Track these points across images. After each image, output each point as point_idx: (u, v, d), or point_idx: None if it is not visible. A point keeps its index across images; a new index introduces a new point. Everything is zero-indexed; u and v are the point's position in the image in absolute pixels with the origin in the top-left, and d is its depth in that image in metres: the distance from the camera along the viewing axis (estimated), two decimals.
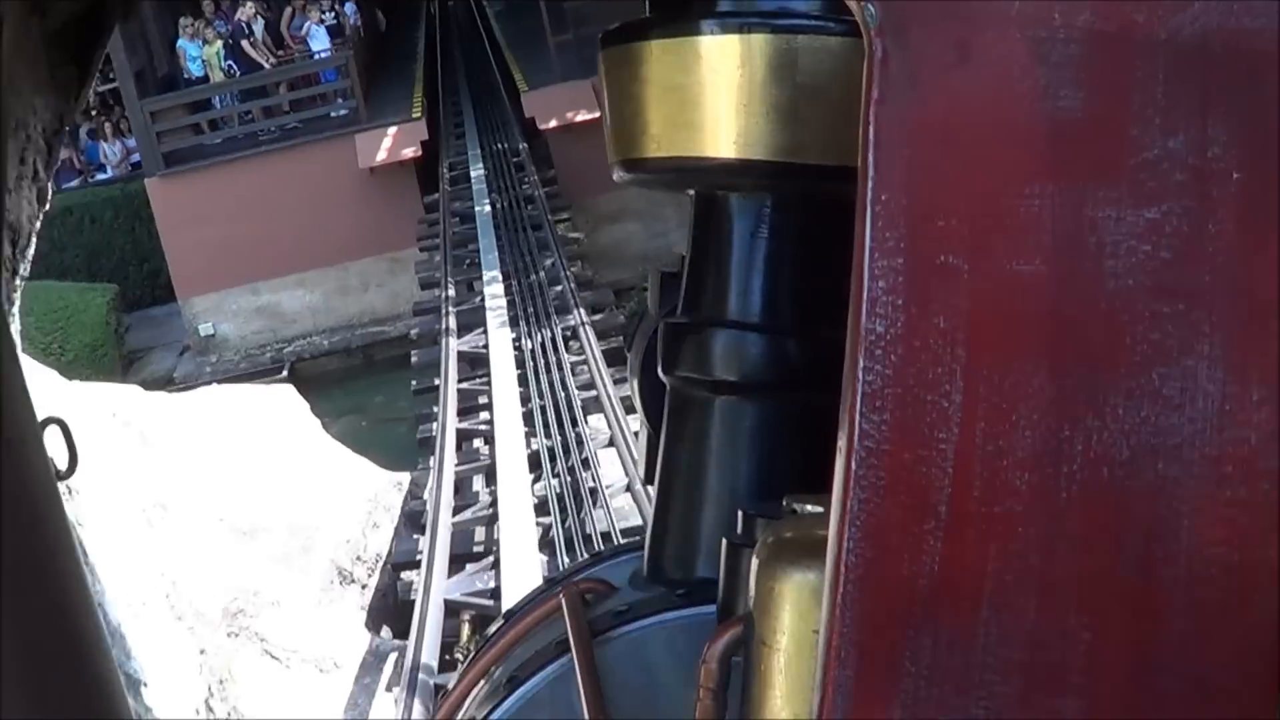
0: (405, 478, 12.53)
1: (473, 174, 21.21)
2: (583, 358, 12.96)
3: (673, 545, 1.39)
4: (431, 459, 12.11)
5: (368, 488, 11.74)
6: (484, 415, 12.91)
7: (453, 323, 15.06)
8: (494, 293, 15.74)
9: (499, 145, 22.77)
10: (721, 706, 0.96)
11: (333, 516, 10.85)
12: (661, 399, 1.41)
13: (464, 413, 13.10)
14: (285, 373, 22.34)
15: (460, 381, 13.50)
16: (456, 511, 10.72)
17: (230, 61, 22.37)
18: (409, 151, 21.91)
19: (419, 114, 22.47)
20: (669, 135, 1.24)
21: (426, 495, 11.39)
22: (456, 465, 11.50)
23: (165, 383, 23.35)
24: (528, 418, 11.87)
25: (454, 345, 14.34)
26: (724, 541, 1.11)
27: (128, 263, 24.81)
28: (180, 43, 22.53)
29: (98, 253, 24.37)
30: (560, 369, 12.82)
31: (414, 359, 16.02)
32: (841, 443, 0.66)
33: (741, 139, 1.20)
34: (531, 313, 14.72)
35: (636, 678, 1.26)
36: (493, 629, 1.50)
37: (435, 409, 13.67)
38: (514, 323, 14.67)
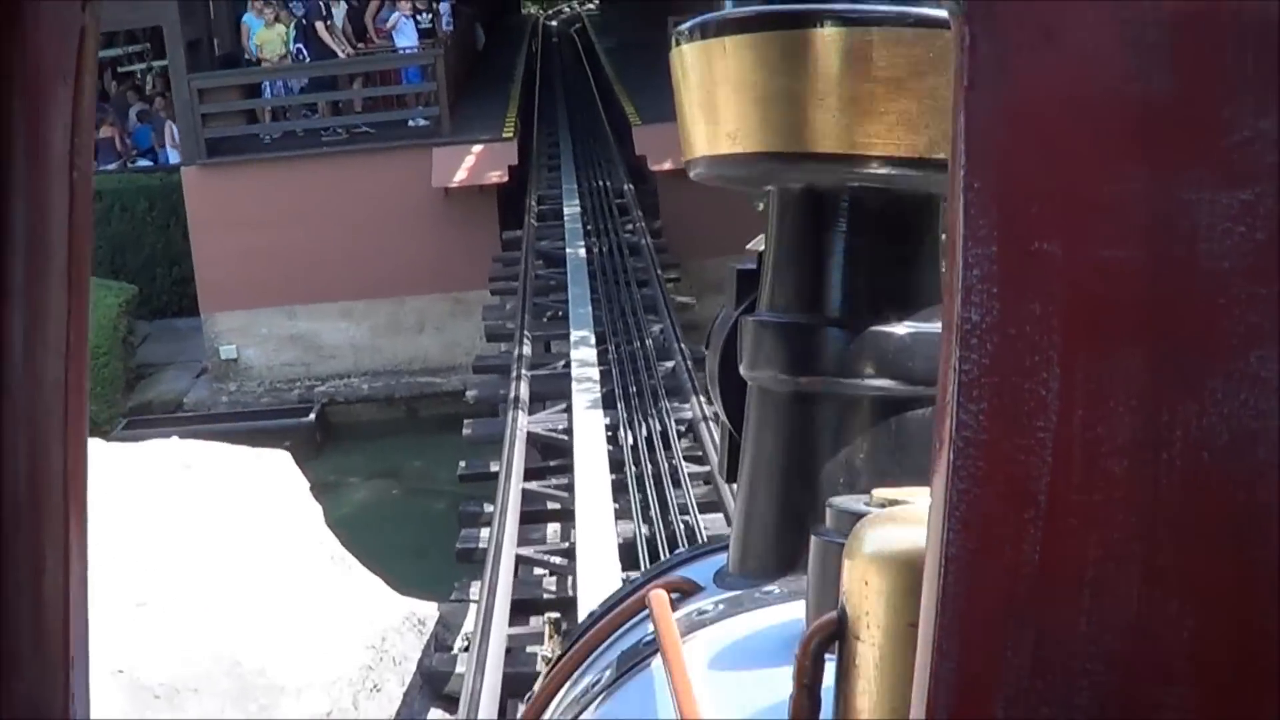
0: (430, 611, 8.62)
1: (566, 211, 17.52)
2: (706, 468, 9.02)
3: (758, 542, 1.39)
4: (473, 589, 8.22)
5: (374, 624, 7.82)
6: (556, 530, 9.03)
7: (524, 391, 11.20)
8: (583, 358, 11.89)
9: (600, 183, 19.12)
10: (816, 702, 0.95)
11: (312, 670, 6.93)
12: (742, 397, 1.41)
13: (528, 521, 9.21)
14: (313, 416, 18.77)
15: (528, 479, 9.58)
16: (507, 684, 6.80)
17: (300, 45, 18.82)
18: (494, 175, 18.28)
19: (511, 134, 18.85)
20: (745, 131, 1.25)
21: (460, 653, 7.46)
22: (511, 624, 7.50)
23: (173, 407, 19.97)
24: (625, 551, 7.93)
25: (523, 423, 10.48)
26: (812, 537, 1.11)
27: (156, 263, 21.42)
28: (246, 17, 19.04)
29: (123, 247, 20.85)
30: (674, 480, 8.91)
31: (467, 430, 12.13)
32: (939, 433, 0.64)
33: (819, 133, 1.21)
34: (634, 391, 10.83)
35: (725, 675, 1.22)
36: (577, 629, 1.50)
37: (487, 508, 9.77)
38: (608, 402, 10.78)
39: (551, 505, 9.44)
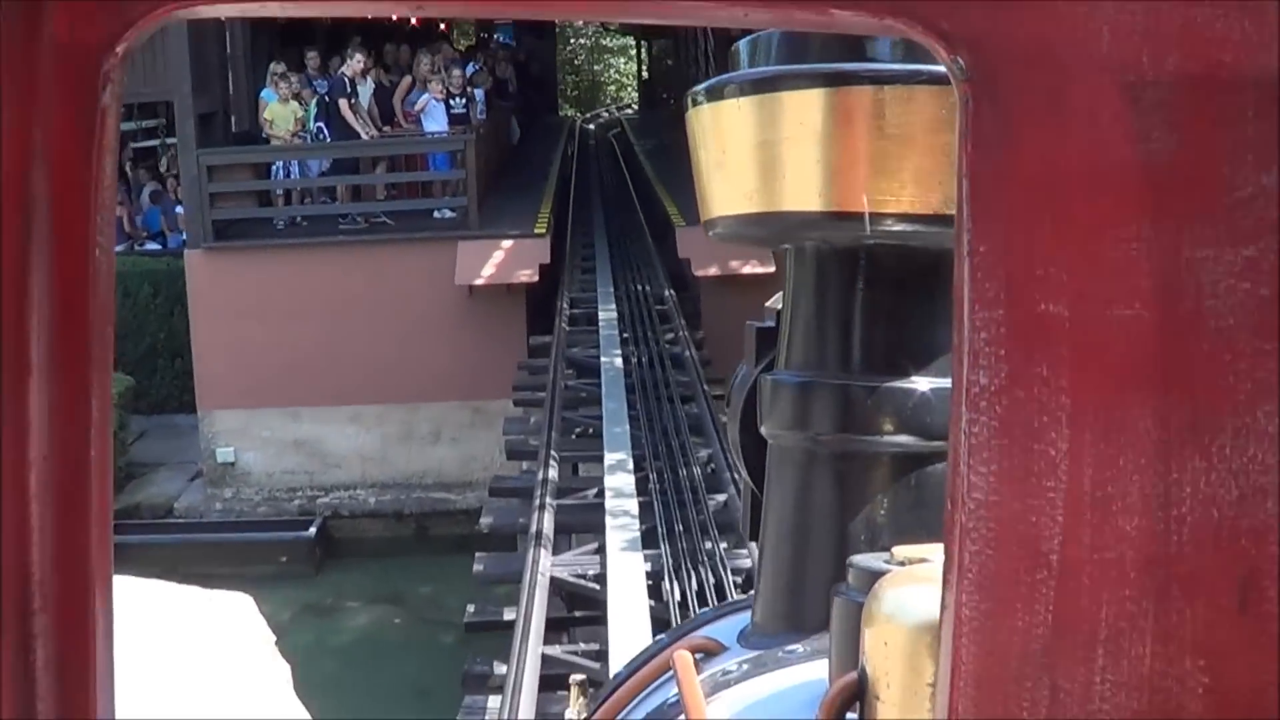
0: None
1: (601, 316, 15.88)
2: None
3: (781, 600, 1.40)
4: None
5: None
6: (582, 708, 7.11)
7: (548, 524, 9.40)
8: (619, 487, 10.10)
9: (639, 287, 17.48)
10: None
11: None
12: (762, 455, 1.43)
13: (548, 688, 7.34)
14: (313, 530, 17.03)
15: (549, 640, 7.74)
16: None
17: (322, 124, 17.33)
18: (524, 274, 16.68)
19: (543, 230, 17.29)
20: (761, 190, 1.27)
21: None
22: None
23: (163, 512, 18.22)
24: None
25: (545, 565, 8.64)
26: (834, 596, 1.12)
27: (157, 353, 19.90)
28: (264, 93, 17.59)
29: (124, 335, 19.22)
30: None
31: (478, 567, 10.30)
32: (951, 494, 0.66)
33: (833, 191, 1.22)
34: (680, 530, 9.00)
35: None
36: (604, 691, 1.53)
37: (498, 669, 7.93)
38: (649, 541, 8.97)
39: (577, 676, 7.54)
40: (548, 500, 9.84)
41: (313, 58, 18.24)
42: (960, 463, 0.65)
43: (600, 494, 10.14)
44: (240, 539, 17.03)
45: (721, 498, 9.57)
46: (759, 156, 1.26)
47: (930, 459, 1.32)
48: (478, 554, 10.68)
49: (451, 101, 18.67)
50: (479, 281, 16.84)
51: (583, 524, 9.85)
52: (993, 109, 0.63)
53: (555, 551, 9.17)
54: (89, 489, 0.73)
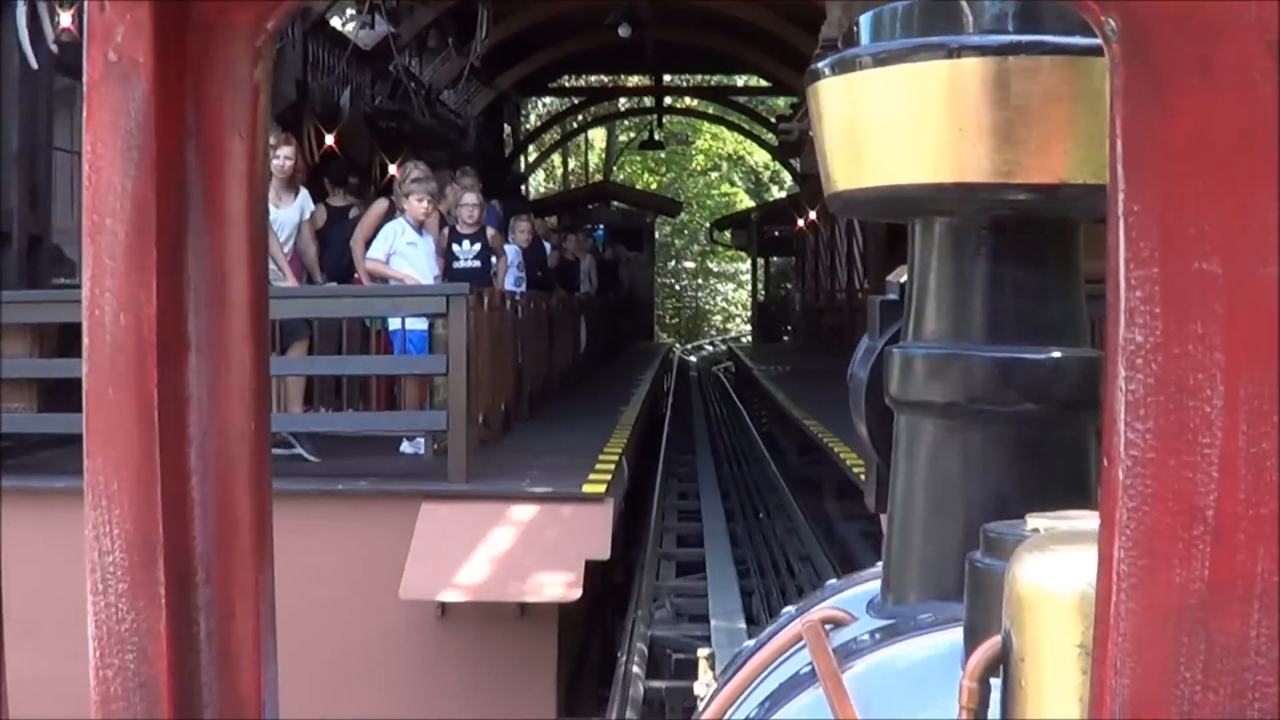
0: None
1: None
2: None
3: (909, 569, 1.41)
4: None
5: None
6: None
7: None
8: None
9: (790, 599, 7.98)
10: None
11: None
12: (887, 427, 1.45)
13: None
14: None
15: None
16: None
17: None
18: (557, 582, 7.55)
19: (602, 488, 8.28)
20: (886, 163, 1.28)
21: None
22: None
23: None
24: None
25: None
26: (968, 562, 1.15)
27: None
28: None
29: None
30: None
31: None
32: (1107, 451, 0.67)
33: (958, 162, 1.24)
34: None
35: (886, 703, 1.25)
36: (733, 662, 1.54)
37: None
38: None
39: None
40: None
41: None
42: (1117, 420, 0.65)
43: None
44: None
45: None
46: (882, 130, 1.28)
47: (1057, 428, 1.35)
48: None
49: (460, 247, 10.10)
50: (453, 596, 7.76)
51: None
52: (1144, 70, 0.64)
53: None
54: (247, 463, 0.75)
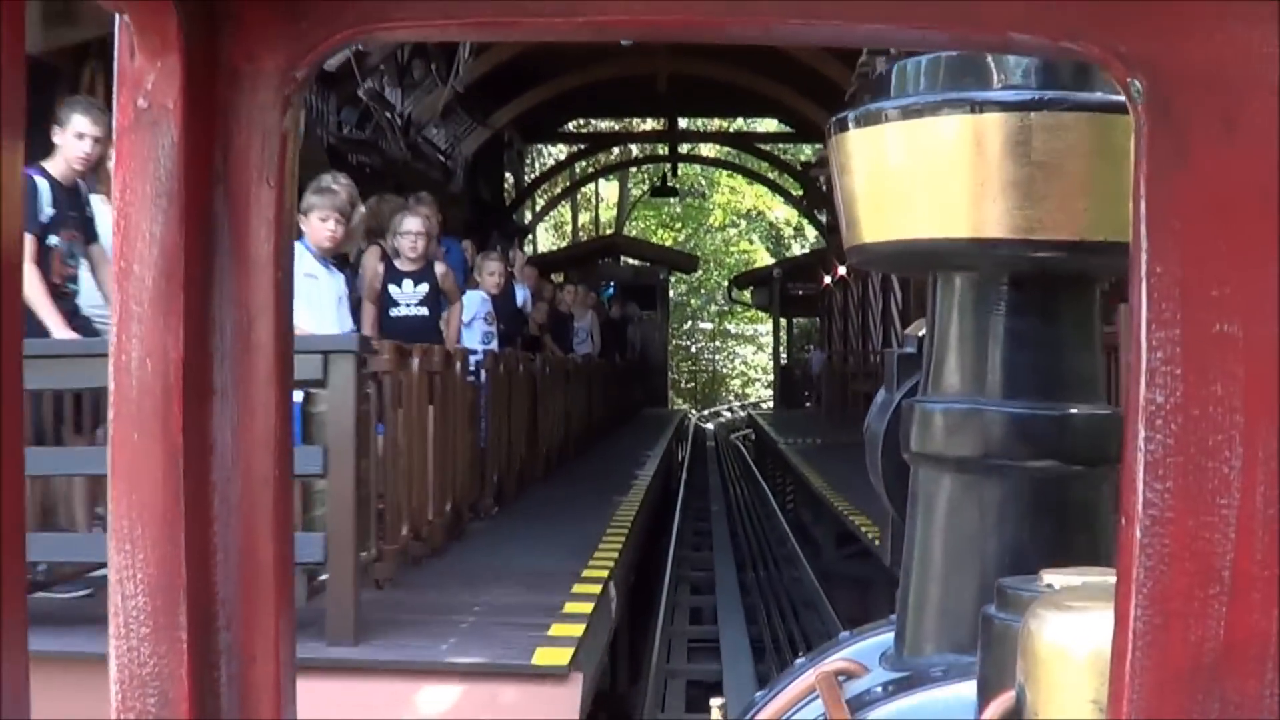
0: None
1: None
2: None
3: (923, 622, 1.42)
4: None
5: None
6: None
7: None
8: None
9: None
10: None
11: None
12: (904, 480, 1.48)
13: None
14: None
15: None
16: None
17: None
18: None
19: (567, 659, 5.16)
20: (908, 217, 1.30)
21: None
22: None
23: None
24: None
25: None
26: (983, 617, 1.17)
27: None
28: None
29: None
30: None
31: None
32: (1124, 510, 0.67)
33: (979, 218, 1.25)
34: None
35: None
36: (745, 713, 1.51)
37: None
38: None
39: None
40: None
41: None
42: (1135, 479, 0.66)
43: None
44: None
45: None
46: (904, 183, 1.29)
47: (1073, 484, 1.37)
48: None
49: (398, 289, 7.41)
50: None
51: None
52: (1168, 130, 0.65)
53: None
54: (270, 508, 0.75)
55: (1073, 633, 0.92)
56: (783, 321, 37.95)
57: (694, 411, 44.33)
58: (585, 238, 42.99)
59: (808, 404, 34.24)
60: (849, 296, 28.52)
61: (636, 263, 36.35)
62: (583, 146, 37.50)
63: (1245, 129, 0.64)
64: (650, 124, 35.87)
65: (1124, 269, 0.69)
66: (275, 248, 0.73)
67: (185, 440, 0.72)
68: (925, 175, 1.26)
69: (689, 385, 52.01)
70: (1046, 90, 1.22)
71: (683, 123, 34.93)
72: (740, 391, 53.41)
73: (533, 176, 36.59)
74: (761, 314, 43.86)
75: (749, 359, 53.82)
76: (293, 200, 0.76)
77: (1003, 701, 1.02)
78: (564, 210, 45.57)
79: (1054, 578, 1.09)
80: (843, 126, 1.34)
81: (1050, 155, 1.20)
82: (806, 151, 33.12)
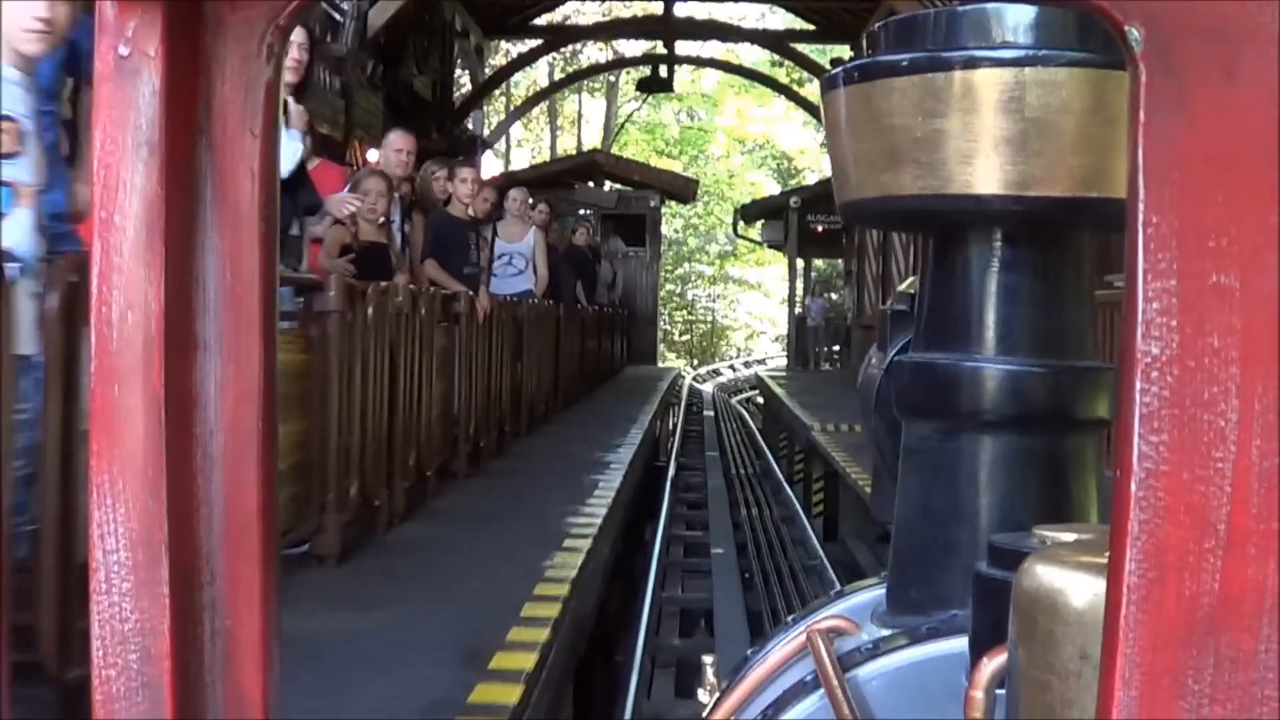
0: None
1: None
2: None
3: (913, 579, 1.42)
4: None
5: None
6: None
7: None
8: None
9: None
10: None
11: None
12: (895, 437, 1.46)
13: None
14: None
15: None
16: None
17: None
18: None
19: None
20: (900, 173, 1.29)
21: None
22: None
23: None
24: None
25: None
26: (975, 572, 1.16)
27: None
28: None
29: None
30: None
31: None
32: (1120, 463, 0.68)
33: (971, 175, 1.25)
34: None
35: (889, 712, 1.27)
36: (736, 671, 1.52)
37: None
38: None
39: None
40: None
41: None
42: (1130, 431, 0.66)
43: None
44: None
45: None
46: (897, 140, 1.28)
47: (1065, 439, 1.36)
48: None
49: None
50: None
51: None
52: (1166, 81, 0.65)
53: None
54: (254, 462, 0.75)
55: (1066, 588, 0.93)
56: (799, 264, 31.55)
57: (688, 369, 38.02)
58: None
59: (828, 364, 28.09)
60: (887, 233, 22.42)
61: (622, 189, 29.92)
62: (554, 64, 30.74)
63: (1245, 78, 0.64)
64: (640, 7, 29.29)
65: (1117, 226, 0.70)
66: (259, 199, 0.74)
67: (167, 393, 0.72)
68: (917, 132, 1.27)
69: (684, 338, 45.61)
70: (1040, 46, 1.23)
71: (680, 9, 28.28)
72: (744, 346, 47.04)
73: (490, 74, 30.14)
74: (773, 255, 37.30)
75: (754, 308, 47.26)
76: (277, 151, 0.76)
77: (995, 657, 1.02)
78: (538, 129, 39.15)
79: (1047, 533, 1.10)
80: (834, 83, 1.36)
81: (1044, 111, 1.21)
82: (835, 52, 26.66)
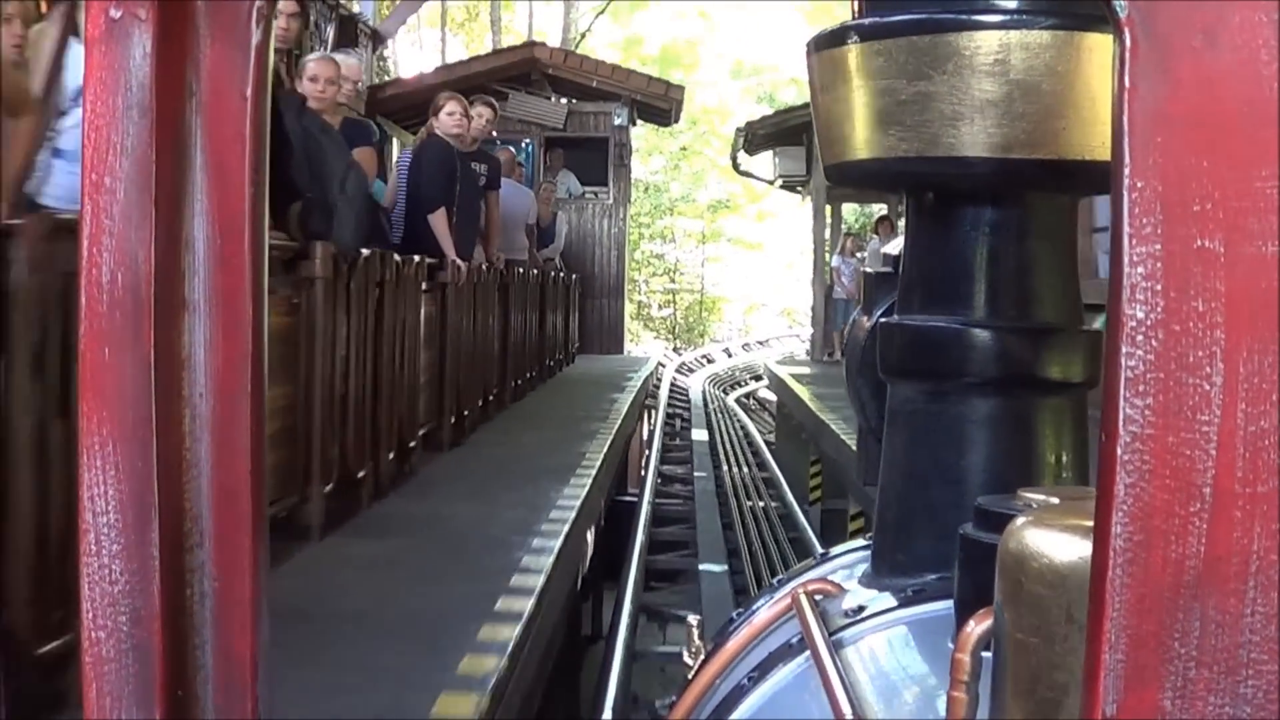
0: None
1: None
2: None
3: (899, 542, 1.44)
4: None
5: None
6: None
7: None
8: None
9: None
10: (974, 699, 1.02)
11: None
12: (880, 400, 1.49)
13: None
14: None
15: None
16: None
17: None
18: None
19: None
20: (883, 136, 1.30)
21: None
22: None
23: None
24: None
25: None
26: (960, 536, 1.17)
27: None
28: None
29: None
30: None
31: None
32: (1105, 427, 0.69)
33: (954, 136, 1.26)
34: None
35: (873, 675, 1.27)
36: (721, 632, 1.54)
37: None
38: None
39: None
40: None
41: None
42: (1116, 395, 0.67)
43: None
44: None
45: None
46: (880, 103, 1.29)
47: (1050, 402, 1.37)
48: None
49: None
50: None
51: None
52: (1150, 45, 0.65)
53: None
54: (244, 424, 0.75)
55: (1052, 550, 0.92)
56: (828, 210, 22.78)
57: (668, 355, 29.37)
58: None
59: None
60: None
61: (571, 101, 21.14)
62: None
63: (1229, 43, 0.65)
64: None
65: (1101, 189, 0.67)
66: (249, 162, 0.74)
67: (157, 355, 0.73)
68: (902, 94, 1.27)
69: (663, 313, 36.42)
70: (1025, 10, 1.24)
71: None
72: (742, 323, 38.34)
73: None
74: (781, 203, 28.60)
75: (753, 272, 38.37)
76: (266, 112, 0.76)
77: (981, 620, 1.03)
78: (477, 33, 30.42)
79: (1032, 496, 1.10)
80: (820, 45, 1.37)
81: (1028, 74, 1.22)
82: None
